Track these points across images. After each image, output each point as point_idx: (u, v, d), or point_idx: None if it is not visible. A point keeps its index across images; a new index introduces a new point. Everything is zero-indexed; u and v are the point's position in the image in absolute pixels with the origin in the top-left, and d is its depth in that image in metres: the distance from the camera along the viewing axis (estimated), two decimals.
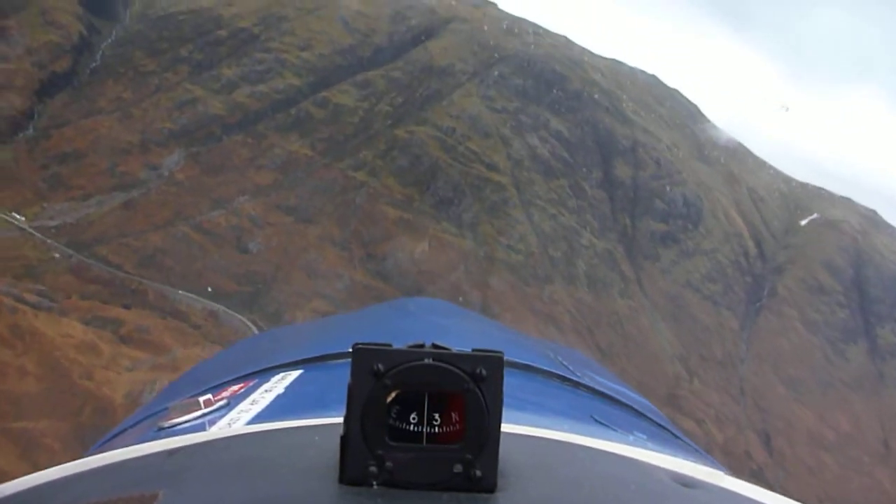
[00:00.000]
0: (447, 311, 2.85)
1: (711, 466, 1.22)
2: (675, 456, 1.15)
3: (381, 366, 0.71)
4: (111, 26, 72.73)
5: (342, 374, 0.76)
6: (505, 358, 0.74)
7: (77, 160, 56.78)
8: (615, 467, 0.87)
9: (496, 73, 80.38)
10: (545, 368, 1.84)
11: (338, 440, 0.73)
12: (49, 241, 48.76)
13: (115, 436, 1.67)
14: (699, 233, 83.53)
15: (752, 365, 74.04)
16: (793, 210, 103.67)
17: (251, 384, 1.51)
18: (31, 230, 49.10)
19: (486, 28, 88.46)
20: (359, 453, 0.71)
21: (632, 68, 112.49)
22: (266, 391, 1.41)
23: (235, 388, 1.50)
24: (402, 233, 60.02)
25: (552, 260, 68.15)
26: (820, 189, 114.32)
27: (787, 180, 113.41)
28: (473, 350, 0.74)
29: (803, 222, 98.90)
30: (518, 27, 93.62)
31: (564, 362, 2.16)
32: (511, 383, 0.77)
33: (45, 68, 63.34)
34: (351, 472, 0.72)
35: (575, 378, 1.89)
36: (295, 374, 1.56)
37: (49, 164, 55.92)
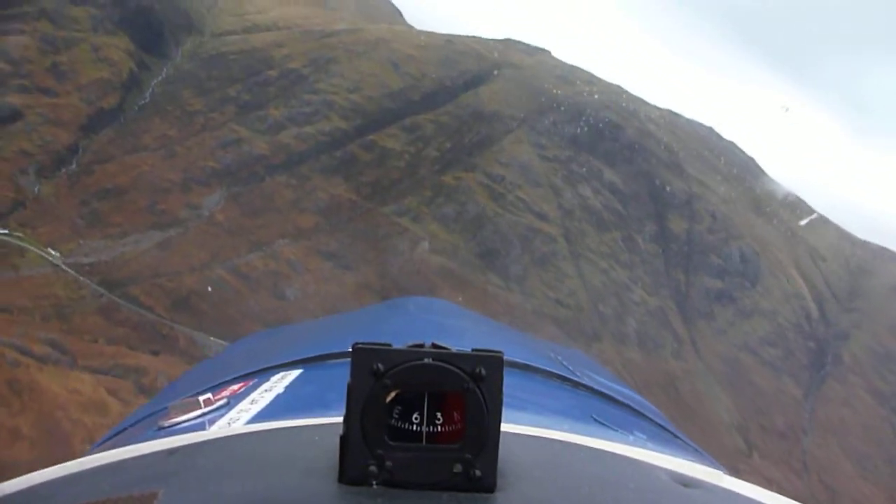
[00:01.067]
0: (447, 311, 2.75)
1: (711, 466, 1.22)
2: (674, 456, 1.15)
3: (380, 365, 0.71)
4: (162, 64, 72.55)
5: (342, 374, 0.77)
6: (505, 358, 0.74)
7: (117, 197, 55.65)
8: (615, 467, 0.87)
9: (548, 120, 78.18)
10: (545, 368, 1.84)
11: (337, 440, 0.73)
12: (81, 278, 47.22)
13: (115, 435, 1.67)
14: (757, 292, 79.13)
15: (817, 437, 68.86)
16: (856, 271, 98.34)
17: (251, 384, 1.52)
18: (64, 267, 47.69)
19: (538, 75, 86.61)
20: (358, 453, 0.72)
21: (688, 119, 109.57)
22: (266, 391, 1.42)
23: (235, 387, 1.52)
24: (446, 283, 57.31)
25: (602, 316, 64.66)
26: (884, 249, 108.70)
27: (850, 238, 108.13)
28: (473, 350, 0.74)
29: (868, 284, 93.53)
30: (571, 75, 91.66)
31: (564, 362, 2.14)
32: (511, 383, 0.78)
33: (93, 104, 62.94)
34: (351, 471, 0.72)
35: (575, 378, 1.88)
36: (295, 373, 1.58)
37: (89, 200, 54.88)
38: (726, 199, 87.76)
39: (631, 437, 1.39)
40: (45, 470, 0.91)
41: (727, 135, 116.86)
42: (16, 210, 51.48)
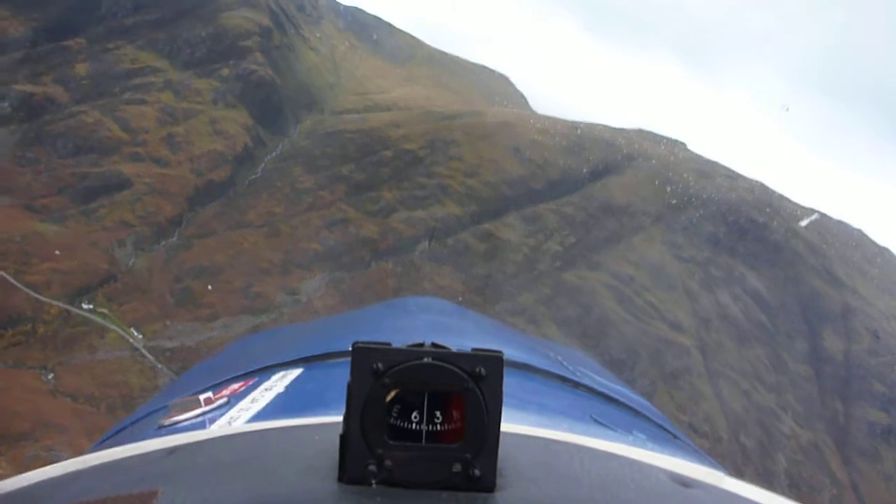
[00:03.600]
0: (447, 310, 2.76)
1: (710, 467, 1.22)
2: (674, 456, 1.14)
3: (380, 365, 0.71)
4: (278, 140, 70.52)
5: (342, 373, 0.77)
6: (504, 357, 0.74)
7: (212, 275, 52.07)
8: (614, 467, 0.87)
9: (684, 217, 70.44)
10: (545, 368, 1.85)
11: (337, 439, 0.73)
12: (159, 366, 43.01)
13: (116, 433, 1.69)
14: None
15: None
16: None
17: (251, 382, 1.54)
18: (144, 351, 43.72)
19: (673, 167, 79.39)
20: (358, 452, 0.72)
21: (836, 221, 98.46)
22: (266, 389, 1.44)
23: (236, 386, 1.53)
24: None
25: (744, 449, 54.84)
26: None
27: None
28: (473, 349, 0.74)
29: None
30: (709, 169, 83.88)
31: (564, 362, 2.16)
32: (510, 383, 0.78)
33: (203, 176, 60.79)
34: (350, 470, 0.72)
35: (575, 378, 1.90)
36: (295, 372, 1.59)
37: (183, 276, 51.53)
38: (888, 314, 76.16)
39: (631, 437, 1.41)
40: (46, 468, 0.91)
41: (880, 240, 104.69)
42: (106, 283, 48.54)
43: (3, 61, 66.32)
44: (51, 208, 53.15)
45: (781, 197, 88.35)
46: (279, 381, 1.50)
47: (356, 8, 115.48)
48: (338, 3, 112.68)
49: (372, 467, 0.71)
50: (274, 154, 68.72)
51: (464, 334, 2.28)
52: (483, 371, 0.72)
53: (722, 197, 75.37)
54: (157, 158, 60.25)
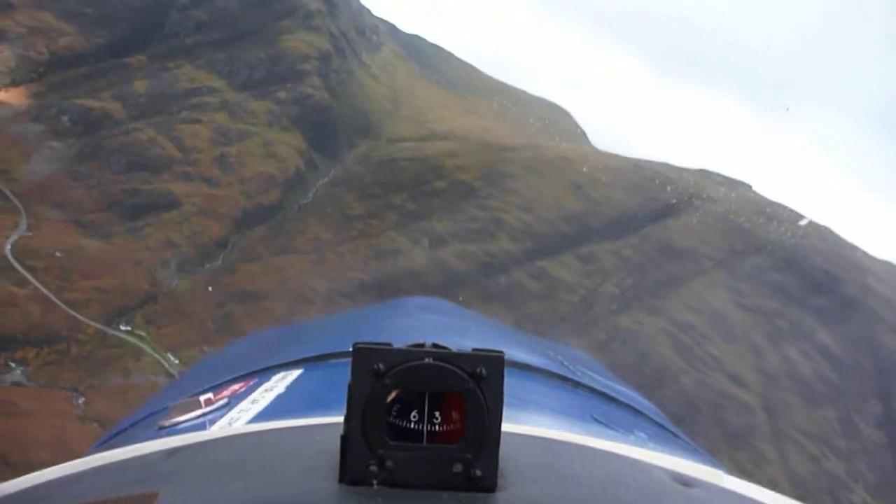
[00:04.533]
0: (447, 311, 2.76)
1: (711, 466, 1.22)
2: (674, 455, 1.14)
3: (381, 365, 0.71)
4: (331, 165, 69.33)
5: (342, 374, 0.77)
6: (505, 357, 0.75)
7: (255, 301, 50.50)
8: (615, 467, 0.87)
9: (749, 263, 66.66)
10: (545, 368, 1.85)
11: (338, 440, 0.73)
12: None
13: (116, 435, 1.69)
14: None
15: None
16: None
17: (252, 383, 1.54)
18: (178, 376, 41.99)
19: (738, 210, 75.71)
20: (359, 453, 0.72)
21: None
22: (266, 390, 1.44)
23: (236, 387, 1.53)
24: None
25: None
26: None
27: None
28: (474, 350, 0.74)
29: None
30: (776, 212, 79.78)
31: (564, 362, 2.15)
32: (511, 383, 0.78)
33: (252, 198, 59.70)
34: (351, 471, 0.72)
35: (575, 378, 1.90)
36: (295, 373, 1.59)
37: (225, 301, 50.07)
38: None
39: (631, 437, 1.40)
40: (46, 470, 0.91)
41: None
42: (146, 304, 47.33)
43: (67, 76, 66.88)
44: (98, 224, 52.50)
45: (854, 247, 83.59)
46: (280, 382, 1.50)
47: (417, 36, 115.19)
48: (399, 30, 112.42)
49: (373, 468, 0.71)
50: (326, 179, 67.49)
51: (464, 334, 2.25)
52: (484, 371, 0.72)
53: (790, 243, 71.36)
54: (208, 178, 59.45)
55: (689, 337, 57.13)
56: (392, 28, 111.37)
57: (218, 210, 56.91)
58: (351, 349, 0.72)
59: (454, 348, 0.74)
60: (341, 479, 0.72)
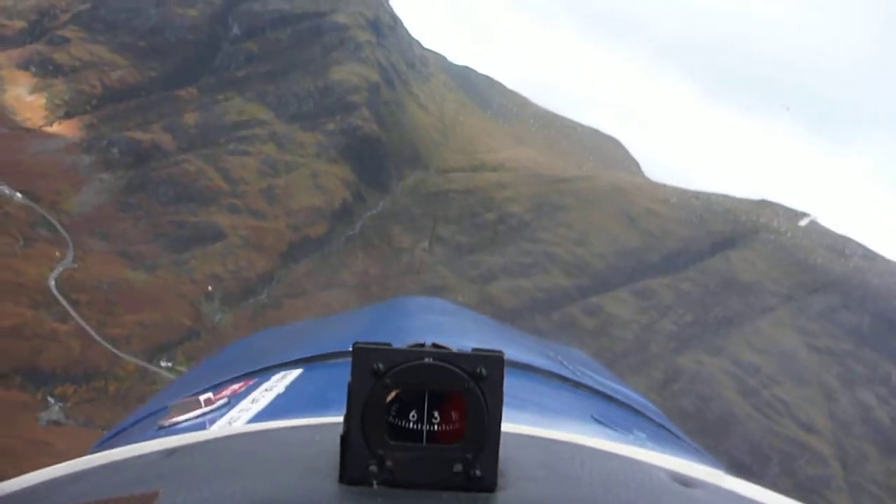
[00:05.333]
0: (447, 310, 2.73)
1: (711, 466, 1.22)
2: (674, 455, 1.13)
3: (381, 365, 0.72)
4: (379, 197, 68.12)
5: (342, 374, 0.77)
6: (505, 357, 0.75)
7: None
8: (615, 467, 0.87)
9: (819, 301, 62.88)
10: (545, 368, 1.85)
11: (338, 439, 0.73)
12: None
13: (116, 434, 1.69)
14: None
15: None
16: None
17: (251, 383, 1.54)
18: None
19: (803, 244, 72.01)
20: (359, 453, 0.72)
21: None
22: (266, 390, 1.44)
23: (236, 386, 1.54)
24: None
25: None
26: None
27: None
28: (473, 349, 0.74)
29: None
30: (845, 247, 75.77)
31: (564, 362, 2.17)
32: (511, 383, 0.78)
33: (299, 231, 58.66)
34: (351, 471, 0.72)
35: (575, 378, 1.91)
36: (295, 373, 1.59)
37: None
38: None
39: (631, 437, 1.41)
40: (46, 469, 0.91)
41: None
42: (188, 340, 46.26)
43: (118, 108, 67.34)
44: (143, 256, 51.91)
45: None
46: (279, 382, 1.50)
47: (466, 66, 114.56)
48: (448, 60, 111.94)
49: (373, 468, 0.71)
50: (373, 211, 66.22)
51: (464, 334, 2.24)
52: (484, 371, 0.72)
53: (862, 281, 67.32)
54: (255, 211, 58.66)
55: (754, 379, 53.67)
56: (441, 59, 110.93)
57: (264, 243, 55.94)
58: (351, 349, 0.73)
59: (454, 348, 0.74)
60: (341, 479, 0.73)
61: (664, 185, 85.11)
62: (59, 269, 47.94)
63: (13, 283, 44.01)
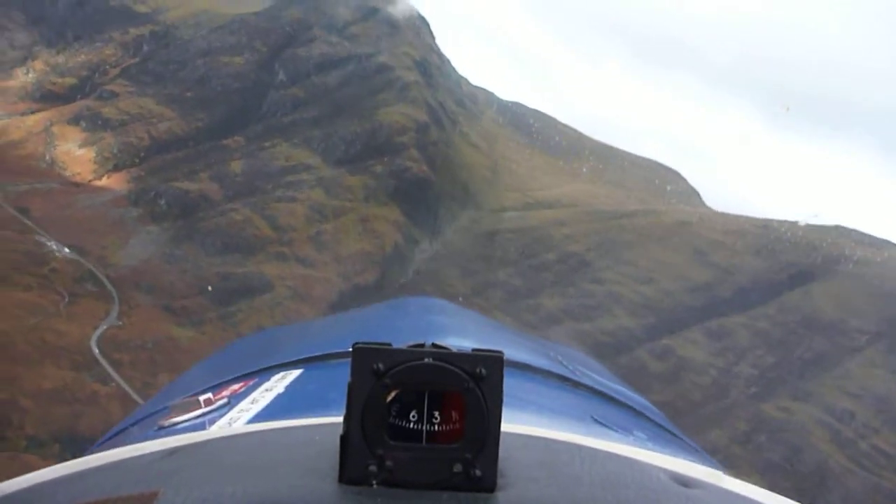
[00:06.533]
0: (447, 311, 2.75)
1: (711, 466, 1.23)
2: (674, 456, 1.15)
3: (381, 365, 0.72)
4: (431, 239, 65.60)
5: (342, 374, 0.77)
6: (505, 358, 0.75)
7: None
8: (615, 467, 0.87)
9: None
10: (545, 368, 1.85)
11: (338, 440, 0.74)
12: None
13: (116, 434, 1.69)
14: None
15: None
16: None
17: (251, 383, 1.55)
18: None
19: (889, 274, 66.56)
20: (359, 452, 0.72)
21: None
22: (266, 390, 1.45)
23: (236, 387, 1.54)
24: None
25: None
26: None
27: None
28: (473, 350, 0.75)
29: None
30: None
31: (564, 362, 2.16)
32: (511, 383, 0.78)
33: (349, 279, 56.34)
34: (351, 471, 0.72)
35: (575, 378, 1.90)
36: (295, 373, 1.60)
37: None
38: None
39: (631, 437, 1.41)
40: (46, 469, 0.92)
41: None
42: None
43: (166, 160, 66.73)
44: (189, 310, 50.14)
45: None
46: (279, 382, 1.50)
47: (517, 103, 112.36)
48: (498, 97, 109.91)
49: (372, 468, 0.71)
50: (426, 255, 63.65)
51: (464, 334, 2.23)
52: (483, 371, 0.73)
53: None
54: (303, 259, 56.65)
55: (849, 428, 48.64)
56: (491, 96, 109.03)
57: (312, 293, 53.72)
58: (351, 349, 0.73)
59: (454, 348, 0.74)
60: (341, 479, 0.73)
61: (730, 216, 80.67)
62: (103, 327, 46.42)
63: (55, 345, 42.52)
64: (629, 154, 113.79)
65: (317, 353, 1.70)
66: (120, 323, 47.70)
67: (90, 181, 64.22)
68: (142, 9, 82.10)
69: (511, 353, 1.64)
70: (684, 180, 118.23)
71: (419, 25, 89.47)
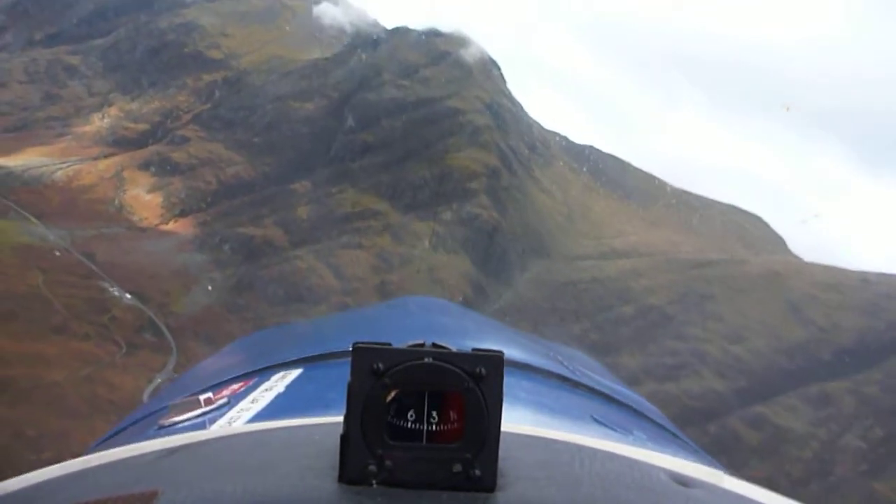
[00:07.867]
0: (447, 310, 2.77)
1: (711, 466, 1.24)
2: (674, 456, 1.16)
3: (380, 365, 0.72)
4: (501, 290, 62.40)
5: (342, 373, 0.77)
6: (505, 357, 0.75)
7: None
8: (615, 467, 0.86)
9: None
10: (545, 368, 1.86)
11: (338, 439, 0.73)
12: None
13: (116, 434, 1.70)
14: None
15: None
16: None
17: (251, 383, 1.56)
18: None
19: None
20: (358, 452, 0.72)
21: None
22: (266, 390, 1.45)
23: (236, 386, 1.55)
24: None
25: None
26: None
27: None
28: (473, 349, 0.74)
29: None
30: None
31: (564, 362, 2.17)
32: (511, 383, 0.79)
33: None
34: (351, 471, 0.72)
35: (575, 378, 1.91)
36: (295, 372, 1.60)
37: None
38: None
39: (631, 437, 1.42)
40: (46, 469, 0.92)
41: None
42: None
43: (233, 204, 65.93)
44: None
45: None
46: (279, 382, 1.50)
47: (590, 146, 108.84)
48: (571, 141, 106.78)
49: (372, 467, 0.71)
50: (496, 306, 60.26)
51: (464, 334, 2.24)
52: (483, 371, 0.73)
53: None
54: None
55: None
56: (563, 140, 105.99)
57: None
58: (351, 349, 0.73)
59: (454, 348, 0.74)
60: (341, 479, 0.72)
61: (824, 267, 74.72)
62: (158, 380, 44.68)
63: (105, 399, 40.84)
64: (709, 199, 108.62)
65: (317, 353, 1.69)
66: (176, 375, 45.95)
67: (156, 226, 63.76)
68: (215, 55, 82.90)
69: (511, 353, 1.65)
70: (767, 226, 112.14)
71: (490, 69, 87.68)
